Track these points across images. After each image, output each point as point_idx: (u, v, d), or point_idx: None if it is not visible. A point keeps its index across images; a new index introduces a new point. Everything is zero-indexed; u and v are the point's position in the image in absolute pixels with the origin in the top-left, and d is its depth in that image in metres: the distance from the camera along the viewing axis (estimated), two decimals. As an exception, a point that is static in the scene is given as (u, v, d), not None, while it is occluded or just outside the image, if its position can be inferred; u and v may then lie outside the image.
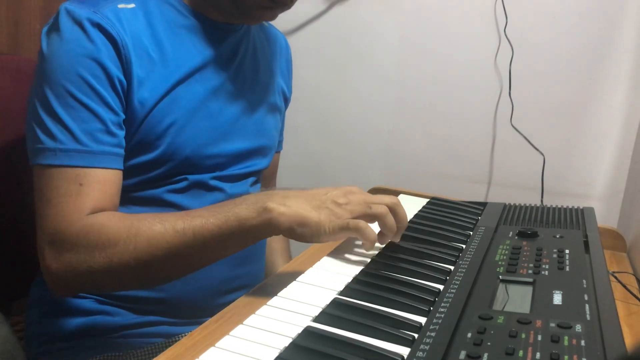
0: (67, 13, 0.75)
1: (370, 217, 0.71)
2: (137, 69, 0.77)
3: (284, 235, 0.69)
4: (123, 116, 0.77)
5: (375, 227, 0.71)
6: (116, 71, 0.75)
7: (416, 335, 0.52)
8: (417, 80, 1.48)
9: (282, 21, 0.88)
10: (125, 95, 0.77)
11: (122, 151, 0.77)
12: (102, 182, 0.73)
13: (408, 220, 0.86)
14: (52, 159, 0.72)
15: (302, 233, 0.68)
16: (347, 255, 0.73)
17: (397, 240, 0.75)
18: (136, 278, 0.72)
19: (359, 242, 0.77)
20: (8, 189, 0.94)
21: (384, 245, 0.75)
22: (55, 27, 0.75)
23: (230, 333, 0.52)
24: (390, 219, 0.72)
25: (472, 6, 1.39)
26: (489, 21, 1.39)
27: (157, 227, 0.69)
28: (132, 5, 0.80)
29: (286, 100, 1.06)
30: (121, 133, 0.77)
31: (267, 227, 0.67)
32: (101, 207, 0.72)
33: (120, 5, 0.78)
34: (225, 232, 0.68)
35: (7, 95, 0.94)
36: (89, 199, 0.71)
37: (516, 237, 0.79)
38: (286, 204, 0.68)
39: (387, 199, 0.73)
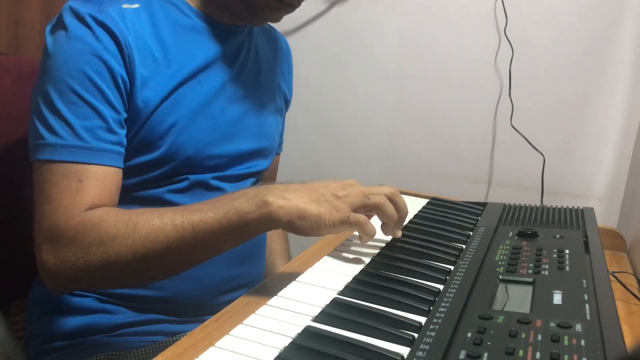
0: (72, 11, 0.75)
1: (369, 208, 0.72)
2: (141, 68, 0.77)
3: (283, 229, 0.68)
4: (125, 115, 0.77)
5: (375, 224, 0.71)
6: (120, 70, 0.75)
7: (416, 335, 0.52)
8: (417, 80, 1.48)
9: (282, 21, 0.88)
10: (128, 94, 0.77)
11: (122, 150, 0.77)
12: (101, 179, 0.73)
13: (408, 220, 0.86)
14: (52, 154, 0.71)
15: (301, 226, 0.67)
16: (347, 255, 0.73)
17: (399, 230, 0.76)
18: (134, 274, 0.71)
19: (357, 241, 0.77)
20: (8, 190, 0.94)
21: (383, 240, 0.75)
22: (60, 25, 0.75)
23: (230, 333, 0.52)
24: (390, 207, 0.72)
25: (472, 6, 1.40)
26: (489, 21, 1.39)
27: (155, 221, 0.68)
28: (136, 6, 0.80)
29: (287, 102, 1.06)
30: (122, 132, 0.77)
31: (267, 220, 0.67)
32: (100, 203, 0.72)
33: (125, 6, 0.78)
34: (224, 226, 0.67)
35: (8, 95, 0.94)
36: (88, 195, 0.71)
37: (516, 237, 0.79)
38: (285, 197, 0.67)
39: (386, 189, 0.74)
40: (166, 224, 0.68)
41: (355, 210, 0.70)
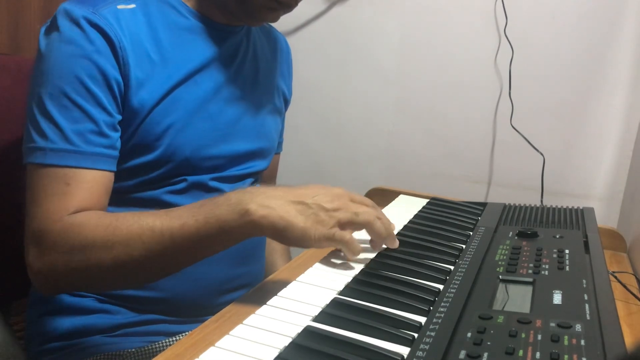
0: (66, 13, 0.75)
1: (358, 225, 0.69)
2: (136, 70, 0.77)
3: (268, 237, 0.67)
4: (118, 117, 0.77)
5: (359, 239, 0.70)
6: (113, 72, 0.75)
7: (416, 335, 0.52)
8: (417, 80, 1.48)
9: (282, 21, 0.88)
10: (123, 97, 0.77)
11: (114, 152, 0.76)
12: (90, 182, 0.73)
13: (408, 220, 0.86)
14: (42, 158, 0.71)
15: (286, 237, 0.65)
16: (347, 255, 0.73)
17: (393, 246, 0.73)
18: (115, 279, 0.71)
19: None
20: (8, 190, 0.94)
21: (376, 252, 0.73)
22: (53, 27, 0.75)
23: (230, 333, 0.52)
24: (379, 225, 0.70)
25: (472, 6, 1.39)
26: (489, 21, 1.39)
27: (135, 227, 0.67)
28: (132, 6, 0.79)
29: (286, 102, 1.06)
30: (115, 135, 0.76)
31: (249, 229, 0.65)
32: (87, 207, 0.72)
33: (120, 6, 0.78)
34: (203, 235, 0.66)
35: (8, 95, 0.94)
36: (75, 199, 0.71)
37: (516, 237, 0.79)
38: (270, 205, 0.65)
39: (371, 209, 0.71)
40: (145, 230, 0.67)
41: (343, 226, 0.68)
